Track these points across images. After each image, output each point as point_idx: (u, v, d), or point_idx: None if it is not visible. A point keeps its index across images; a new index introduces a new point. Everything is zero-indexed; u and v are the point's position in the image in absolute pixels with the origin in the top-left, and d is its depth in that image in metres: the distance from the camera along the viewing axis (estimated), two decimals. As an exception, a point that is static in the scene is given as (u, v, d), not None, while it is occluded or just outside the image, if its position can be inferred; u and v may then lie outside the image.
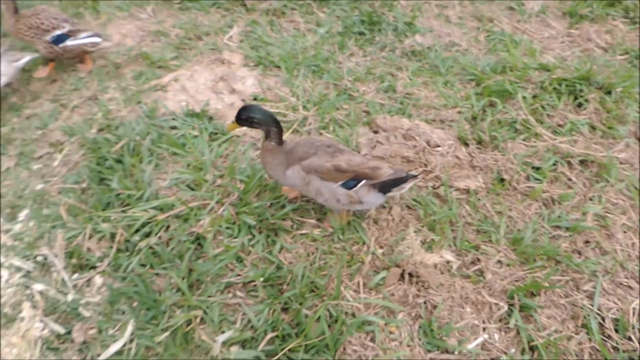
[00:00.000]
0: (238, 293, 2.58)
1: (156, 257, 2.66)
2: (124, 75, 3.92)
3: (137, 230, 2.74)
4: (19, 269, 2.67)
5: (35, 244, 2.78)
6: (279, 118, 3.44)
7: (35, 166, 3.22)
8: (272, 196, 2.93)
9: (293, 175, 2.55)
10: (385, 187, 2.63)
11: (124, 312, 2.50)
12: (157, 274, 2.62)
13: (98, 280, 2.63)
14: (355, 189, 2.57)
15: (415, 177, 2.69)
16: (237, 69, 3.95)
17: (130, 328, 2.40)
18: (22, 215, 2.93)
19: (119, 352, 2.36)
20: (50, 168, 3.20)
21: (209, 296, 2.51)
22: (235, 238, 2.74)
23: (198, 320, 2.42)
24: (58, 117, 3.55)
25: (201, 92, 3.72)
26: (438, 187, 3.11)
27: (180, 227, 2.75)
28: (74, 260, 2.71)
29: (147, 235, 2.75)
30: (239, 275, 2.62)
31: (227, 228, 2.76)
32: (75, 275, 2.66)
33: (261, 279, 2.57)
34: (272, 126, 2.49)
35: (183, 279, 2.55)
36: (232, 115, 3.52)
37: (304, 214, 2.91)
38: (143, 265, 2.64)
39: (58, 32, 3.67)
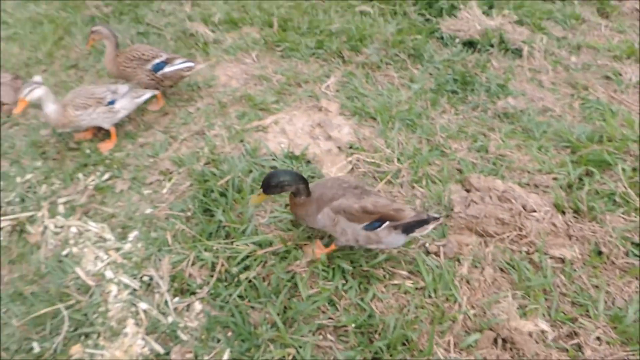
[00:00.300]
0: (329, 336, 2.63)
1: (254, 290, 2.77)
2: (229, 114, 4.20)
3: (238, 263, 2.87)
4: (126, 287, 2.85)
5: (142, 264, 2.97)
6: (374, 168, 3.57)
7: (145, 191, 3.48)
8: (366, 244, 3.00)
9: (323, 218, 2.65)
10: (408, 228, 2.69)
11: (219, 341, 2.61)
12: (252, 307, 2.72)
13: (197, 306, 2.77)
14: (377, 230, 2.64)
15: (437, 219, 2.74)
16: (334, 117, 4.13)
17: (226, 357, 2.49)
18: (132, 236, 3.16)
19: (213, 379, 2.45)
20: (159, 194, 3.45)
21: (302, 336, 2.57)
22: (329, 281, 2.82)
23: (291, 358, 2.47)
24: (168, 148, 3.83)
25: (299, 136, 3.91)
26: (532, 253, 3.06)
27: (279, 264, 2.86)
28: (176, 284, 2.87)
29: (246, 268, 2.87)
30: (330, 318, 2.68)
31: (323, 270, 2.84)
32: (177, 299, 2.81)
33: (353, 325, 2.61)
34: (300, 184, 2.58)
35: (278, 315, 2.63)
36: (329, 161, 3.67)
37: (396, 265, 2.95)
38: (241, 297, 2.75)
39: (157, 61, 4.02)
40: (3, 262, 3.01)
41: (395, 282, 2.85)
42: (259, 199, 2.66)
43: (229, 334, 2.64)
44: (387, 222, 2.64)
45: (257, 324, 2.62)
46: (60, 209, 3.33)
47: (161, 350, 2.57)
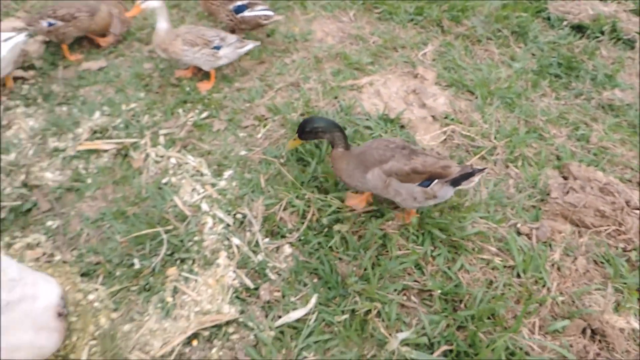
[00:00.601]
0: (413, 298, 2.65)
1: (343, 243, 2.82)
2: (324, 69, 4.19)
3: (329, 215, 2.92)
4: (221, 221, 2.96)
5: (236, 202, 3.07)
6: (468, 142, 3.49)
7: (241, 134, 3.56)
8: (457, 215, 2.97)
9: (374, 178, 2.61)
10: (455, 181, 2.67)
11: (305, 285, 2.68)
12: (340, 259, 2.77)
13: (287, 249, 2.84)
14: (430, 186, 2.64)
15: (482, 170, 2.70)
16: (429, 85, 4.05)
17: (313, 301, 2.56)
18: (227, 174, 3.26)
19: (298, 320, 2.52)
20: (253, 138, 3.52)
21: (387, 293, 2.60)
22: (418, 245, 2.82)
23: (376, 312, 2.52)
24: (264, 95, 3.89)
25: (393, 100, 3.87)
26: (630, 251, 2.94)
27: (375, 221, 2.88)
28: (266, 226, 2.95)
29: (337, 220, 2.91)
30: (416, 281, 2.69)
31: (413, 234, 2.84)
32: (267, 240, 2.90)
33: (439, 291, 2.62)
34: (336, 132, 2.59)
35: (365, 270, 2.67)
36: (422, 129, 3.62)
37: (485, 240, 2.91)
38: (330, 248, 2.81)
39: (239, 3, 4.14)
40: (107, 182, 3.19)
41: (484, 257, 2.82)
42: (294, 143, 2.75)
43: (315, 280, 2.71)
44: (436, 180, 2.63)
45: (344, 274, 2.66)
46: (161, 139, 3.46)
47: (251, 285, 2.67)
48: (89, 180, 3.20)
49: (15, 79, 3.94)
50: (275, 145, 3.44)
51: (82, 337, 2.38)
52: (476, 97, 3.94)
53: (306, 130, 2.63)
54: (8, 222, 2.92)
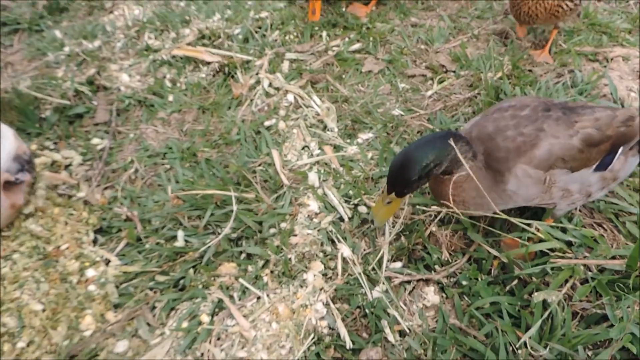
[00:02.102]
0: None
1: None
2: None
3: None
4: (332, 209, 1.76)
5: (365, 186, 1.83)
6: None
7: (401, 84, 2.29)
8: None
9: (521, 184, 1.47)
10: None
11: (449, 377, 1.36)
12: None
13: (430, 294, 1.55)
14: (611, 165, 1.55)
15: None
16: None
17: None
18: (363, 137, 2.04)
19: None
20: (418, 95, 2.24)
21: None
22: None
23: None
24: (449, 39, 2.55)
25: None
26: None
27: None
28: (402, 242, 1.67)
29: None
30: None
31: None
32: (397, 265, 1.63)
33: None
34: (451, 152, 1.41)
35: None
36: None
37: None
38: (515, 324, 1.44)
39: None
40: (192, 106, 2.18)
41: None
42: (389, 210, 1.49)
43: (470, 374, 1.38)
44: (621, 148, 1.56)
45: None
46: (285, 66, 2.37)
47: (349, 344, 1.43)
48: (170, 98, 2.21)
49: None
50: (452, 114, 2.10)
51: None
52: None
53: (404, 182, 1.41)
54: (47, 125, 2.05)
